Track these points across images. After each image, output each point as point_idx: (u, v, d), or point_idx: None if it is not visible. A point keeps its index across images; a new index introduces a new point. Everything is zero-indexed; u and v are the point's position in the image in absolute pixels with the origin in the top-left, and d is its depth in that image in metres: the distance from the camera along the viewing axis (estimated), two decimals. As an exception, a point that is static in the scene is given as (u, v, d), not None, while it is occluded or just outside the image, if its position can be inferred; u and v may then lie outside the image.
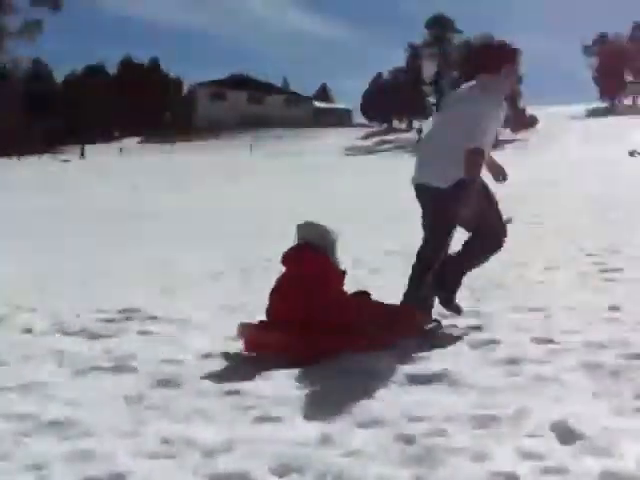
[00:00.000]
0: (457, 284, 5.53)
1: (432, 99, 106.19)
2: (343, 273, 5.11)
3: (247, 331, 4.95)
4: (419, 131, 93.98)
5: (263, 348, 4.78)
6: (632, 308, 5.75)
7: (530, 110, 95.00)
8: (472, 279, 7.45)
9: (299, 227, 5.12)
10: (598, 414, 3.33)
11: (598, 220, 15.13)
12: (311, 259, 4.95)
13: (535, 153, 68.59)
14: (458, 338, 5.00)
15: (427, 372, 4.18)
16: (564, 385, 3.79)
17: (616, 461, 2.76)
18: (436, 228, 5.41)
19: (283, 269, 5.11)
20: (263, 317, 5.10)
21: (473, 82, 5.54)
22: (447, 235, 5.39)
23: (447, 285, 5.44)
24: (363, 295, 5.28)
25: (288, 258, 5.05)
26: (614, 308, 5.83)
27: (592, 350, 4.49)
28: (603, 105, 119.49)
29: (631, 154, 57.95)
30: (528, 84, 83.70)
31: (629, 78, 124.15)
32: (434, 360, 4.45)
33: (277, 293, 5.01)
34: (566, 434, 3.05)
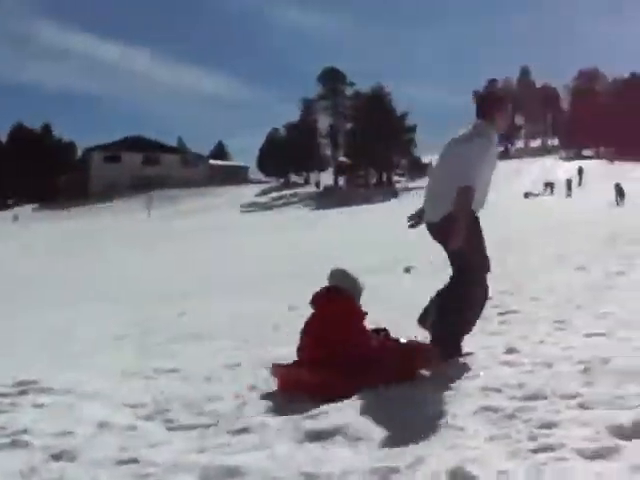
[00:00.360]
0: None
1: (328, 152, 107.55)
2: (365, 313, 5.54)
3: (280, 371, 5.39)
4: (317, 184, 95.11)
5: (295, 386, 5.13)
6: (526, 349, 5.92)
7: (425, 159, 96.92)
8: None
9: (332, 273, 5.65)
10: (494, 458, 3.39)
11: (498, 264, 15.49)
12: (339, 300, 5.42)
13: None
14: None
15: (324, 426, 4.20)
16: (460, 431, 3.85)
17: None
18: (455, 257, 5.83)
19: (312, 310, 5.57)
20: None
21: (470, 127, 6.03)
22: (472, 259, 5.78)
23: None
24: (383, 331, 5.76)
25: (318, 299, 5.52)
26: (510, 350, 6.00)
27: (488, 394, 4.59)
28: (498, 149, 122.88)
29: (526, 196, 60.30)
30: (421, 133, 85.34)
31: (521, 122, 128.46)
32: (330, 415, 4.47)
33: (308, 331, 5.47)
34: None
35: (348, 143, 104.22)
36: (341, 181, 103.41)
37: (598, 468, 3.15)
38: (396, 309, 9.12)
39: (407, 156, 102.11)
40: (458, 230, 5.46)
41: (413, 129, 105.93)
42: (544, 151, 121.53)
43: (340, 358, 5.08)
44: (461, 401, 4.51)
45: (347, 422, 4.19)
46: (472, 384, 4.91)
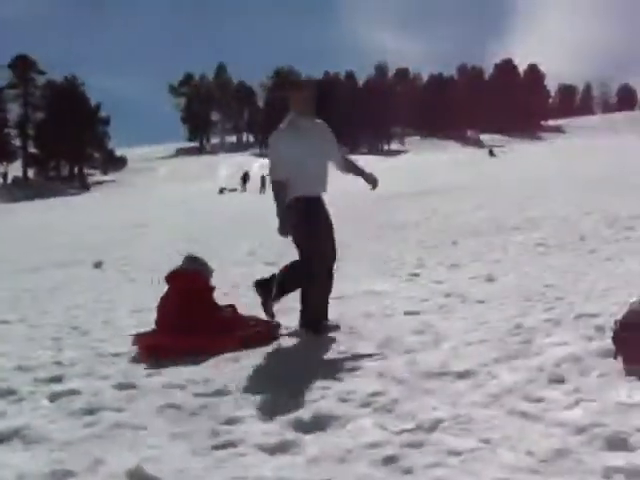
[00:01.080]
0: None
1: (18, 142, 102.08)
2: (213, 288, 6.51)
3: (141, 338, 6.10)
4: (4, 175, 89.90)
5: (155, 350, 5.77)
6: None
7: (119, 152, 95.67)
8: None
9: (186, 257, 6.72)
10: (175, 456, 3.35)
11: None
12: (193, 277, 6.39)
13: (125, 194, 68.92)
14: (35, 392, 4.77)
15: (1, 430, 3.93)
16: (142, 430, 3.77)
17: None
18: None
19: (167, 286, 6.47)
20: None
21: None
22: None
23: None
24: (230, 307, 6.58)
25: (174, 277, 6.46)
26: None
27: (172, 391, 4.54)
28: (193, 144, 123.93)
29: (221, 192, 61.23)
30: (114, 127, 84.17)
31: (216, 117, 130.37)
32: (9, 416, 4.21)
33: (165, 304, 6.32)
34: (141, 480, 3.04)
35: (39, 134, 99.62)
36: (31, 173, 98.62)
37: (278, 462, 3.21)
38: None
39: (101, 149, 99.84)
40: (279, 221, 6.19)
41: (107, 121, 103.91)
42: (240, 147, 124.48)
43: (197, 324, 5.93)
44: (143, 399, 4.42)
45: (25, 423, 3.96)
46: (155, 381, 4.83)
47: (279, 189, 6.22)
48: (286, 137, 6.26)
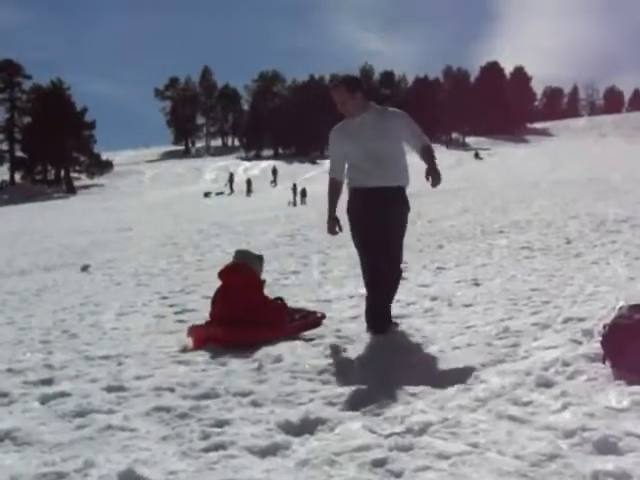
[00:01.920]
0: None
1: (5, 146, 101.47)
2: (263, 282, 6.75)
3: (195, 330, 6.37)
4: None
5: (207, 341, 6.09)
6: (202, 350, 5.96)
7: (105, 155, 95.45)
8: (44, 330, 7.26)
9: (237, 252, 7.01)
10: (165, 458, 3.35)
11: (173, 262, 15.61)
12: (242, 272, 6.58)
13: (111, 198, 68.78)
14: (25, 395, 4.77)
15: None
16: (132, 432, 3.77)
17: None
18: None
19: (220, 282, 6.66)
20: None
21: None
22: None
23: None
24: (279, 299, 6.85)
25: (225, 272, 6.66)
26: (185, 349, 6.02)
27: (161, 394, 4.55)
28: (178, 148, 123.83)
29: (206, 195, 61.30)
30: (100, 131, 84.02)
31: (201, 120, 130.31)
32: (1, 419, 4.20)
33: (217, 299, 6.54)
34: (132, 483, 3.05)
35: (26, 138, 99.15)
36: (18, 177, 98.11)
37: (267, 464, 3.22)
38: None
39: (87, 153, 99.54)
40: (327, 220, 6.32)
41: (93, 125, 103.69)
42: (225, 150, 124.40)
43: (246, 317, 6.20)
44: (133, 402, 4.43)
45: (16, 426, 3.95)
46: (145, 384, 4.84)
47: (329, 187, 6.36)
48: (333, 137, 6.35)
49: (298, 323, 6.59)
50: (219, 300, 6.56)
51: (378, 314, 6.14)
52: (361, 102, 6.16)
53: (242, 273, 6.62)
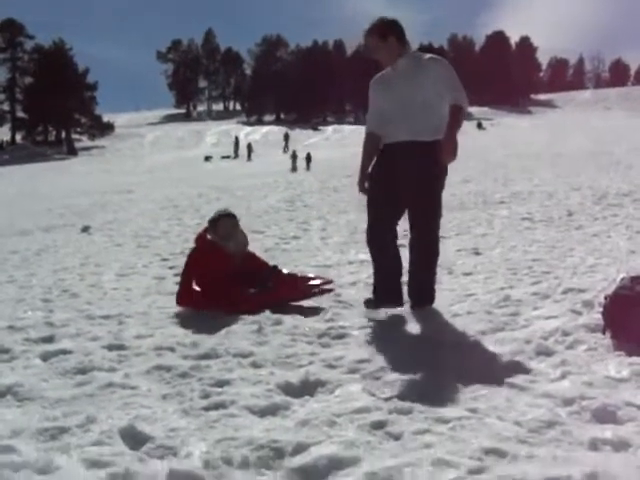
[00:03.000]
0: None
1: (6, 107, 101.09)
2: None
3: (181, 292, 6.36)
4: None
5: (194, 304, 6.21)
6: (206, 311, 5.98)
7: (106, 117, 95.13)
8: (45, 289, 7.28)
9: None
10: (166, 416, 3.37)
11: (174, 224, 15.61)
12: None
13: (112, 160, 68.64)
14: (27, 351, 4.79)
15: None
16: (133, 390, 3.79)
17: (181, 460, 2.83)
18: None
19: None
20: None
21: None
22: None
23: None
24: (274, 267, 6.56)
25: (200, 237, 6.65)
26: (185, 310, 6.04)
27: (162, 353, 4.58)
28: (179, 111, 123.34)
29: (206, 159, 61.23)
30: (102, 92, 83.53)
31: (203, 84, 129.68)
32: (1, 374, 4.22)
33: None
34: (134, 438, 3.05)
35: (27, 98, 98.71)
36: (19, 137, 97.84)
37: (267, 424, 3.24)
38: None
39: (88, 114, 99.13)
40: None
41: (95, 87, 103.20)
42: (226, 115, 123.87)
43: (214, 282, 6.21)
44: (134, 360, 4.45)
45: (17, 381, 3.97)
46: (145, 343, 4.86)
47: (364, 141, 5.86)
48: (371, 88, 5.80)
49: (294, 291, 6.32)
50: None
51: (385, 286, 5.68)
52: (395, 48, 5.55)
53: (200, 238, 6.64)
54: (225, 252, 6.44)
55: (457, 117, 5.37)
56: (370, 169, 5.73)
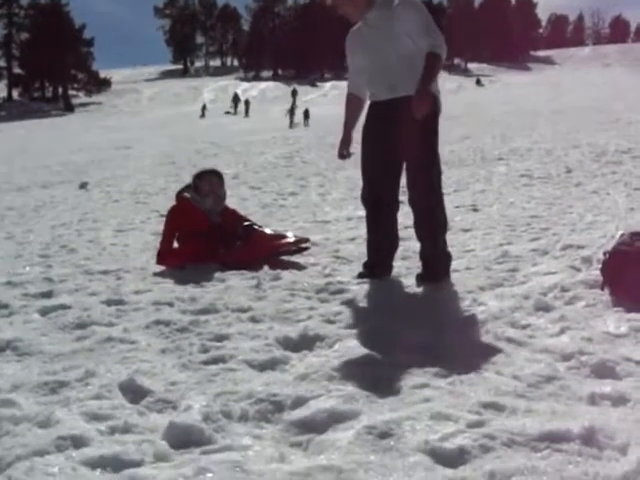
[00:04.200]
0: None
1: (2, 63, 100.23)
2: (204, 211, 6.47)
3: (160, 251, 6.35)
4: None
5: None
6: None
7: (103, 74, 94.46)
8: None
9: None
10: (165, 370, 3.38)
11: (172, 181, 15.57)
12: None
13: (109, 116, 68.25)
14: (26, 306, 4.79)
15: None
16: (132, 344, 3.79)
17: (181, 413, 2.83)
18: None
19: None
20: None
21: None
22: None
23: None
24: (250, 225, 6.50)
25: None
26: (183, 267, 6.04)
27: (160, 308, 4.58)
28: (177, 67, 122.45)
29: (202, 115, 60.77)
30: (99, 48, 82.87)
31: (201, 40, 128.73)
32: (1, 329, 4.22)
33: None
34: (133, 392, 3.05)
35: (23, 54, 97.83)
36: (16, 94, 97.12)
37: (267, 378, 3.25)
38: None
39: (85, 70, 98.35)
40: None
41: (91, 42, 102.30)
42: (224, 71, 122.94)
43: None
44: (132, 315, 4.46)
45: (17, 336, 3.97)
46: (144, 298, 4.87)
47: (345, 103, 5.44)
48: (346, 46, 5.35)
49: (274, 244, 6.31)
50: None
51: (377, 254, 5.35)
52: (360, 0, 5.08)
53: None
54: (200, 211, 6.44)
55: (432, 66, 4.87)
56: (361, 130, 5.31)
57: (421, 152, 5.01)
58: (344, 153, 5.40)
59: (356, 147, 5.33)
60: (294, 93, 64.79)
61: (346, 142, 5.38)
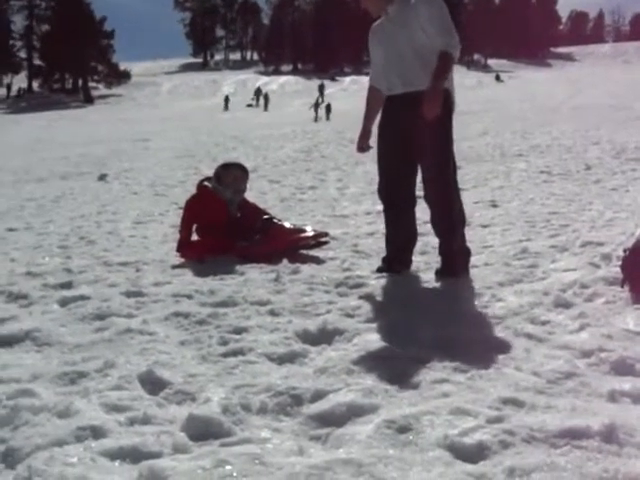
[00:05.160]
0: None
1: (23, 54, 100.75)
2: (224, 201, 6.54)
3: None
4: (8, 86, 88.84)
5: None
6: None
7: (123, 66, 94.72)
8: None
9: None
10: (184, 362, 3.39)
11: (191, 174, 15.58)
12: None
13: (129, 108, 68.42)
14: (45, 297, 4.82)
15: (13, 332, 3.98)
16: (152, 336, 3.80)
17: (200, 406, 2.84)
18: None
19: None
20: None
21: None
22: None
23: None
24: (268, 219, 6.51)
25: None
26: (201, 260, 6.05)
27: (180, 300, 4.59)
28: (196, 60, 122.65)
29: (226, 107, 60.80)
30: (119, 41, 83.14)
31: (221, 33, 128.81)
32: (20, 319, 4.26)
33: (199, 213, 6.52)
34: (152, 384, 3.06)
35: (44, 46, 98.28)
36: (36, 85, 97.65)
37: (286, 371, 3.25)
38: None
39: (105, 62, 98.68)
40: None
41: (111, 35, 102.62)
42: (244, 64, 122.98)
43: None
44: (152, 307, 4.47)
45: (36, 327, 4.00)
46: (163, 290, 4.89)
47: (367, 95, 5.46)
48: (369, 41, 5.39)
49: (291, 238, 6.31)
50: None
51: (395, 249, 5.35)
52: None
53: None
54: (221, 201, 6.47)
55: (444, 65, 4.89)
56: (378, 125, 5.36)
57: (436, 149, 5.03)
58: (363, 146, 5.43)
59: (373, 141, 5.34)
60: (321, 88, 64.17)
61: (365, 135, 5.41)
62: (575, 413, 2.70)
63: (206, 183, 6.59)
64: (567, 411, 2.72)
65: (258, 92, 67.24)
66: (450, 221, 5.16)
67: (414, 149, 5.06)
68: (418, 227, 5.45)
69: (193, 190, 6.76)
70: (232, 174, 6.56)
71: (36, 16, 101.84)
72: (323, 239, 6.45)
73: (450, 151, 5.13)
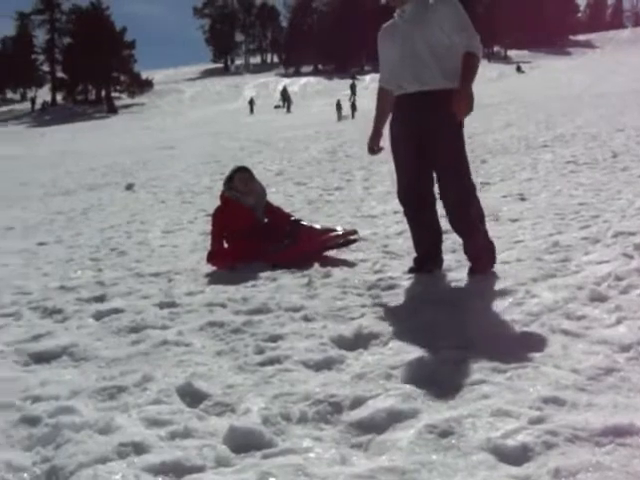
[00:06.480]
0: None
1: (46, 67, 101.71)
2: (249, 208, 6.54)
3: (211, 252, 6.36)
4: (32, 100, 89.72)
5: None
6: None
7: (145, 75, 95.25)
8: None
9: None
10: (222, 372, 3.40)
11: (217, 179, 15.63)
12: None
13: (152, 117, 68.74)
14: (80, 311, 4.86)
15: (49, 348, 4.02)
16: (188, 347, 3.82)
17: (240, 417, 2.84)
18: None
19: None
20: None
21: None
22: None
23: None
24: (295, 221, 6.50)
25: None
26: (232, 267, 6.06)
27: (213, 309, 4.60)
28: (217, 65, 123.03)
29: (251, 110, 60.92)
30: (140, 50, 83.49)
31: (240, 38, 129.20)
32: (57, 335, 4.29)
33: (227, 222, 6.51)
34: (191, 396, 3.07)
35: (66, 59, 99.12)
36: (59, 97, 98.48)
37: (323, 378, 3.25)
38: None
39: (127, 72, 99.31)
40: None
41: (132, 45, 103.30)
42: (264, 67, 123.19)
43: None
44: (186, 317, 4.49)
45: (72, 342, 4.04)
46: (196, 300, 4.90)
47: (376, 97, 5.43)
48: (379, 38, 5.35)
49: (321, 239, 6.24)
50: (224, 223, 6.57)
51: (423, 249, 5.36)
52: None
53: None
54: (246, 208, 6.48)
55: (471, 67, 4.90)
56: (389, 126, 5.29)
57: (451, 147, 5.03)
58: (374, 148, 5.38)
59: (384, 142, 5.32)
60: (353, 86, 63.27)
61: (376, 137, 5.37)
62: (617, 410, 2.68)
63: (227, 193, 6.61)
64: (609, 408, 2.70)
65: (284, 93, 67.29)
66: (469, 220, 5.16)
67: (429, 148, 5.03)
68: (446, 224, 5.40)
69: (219, 198, 6.77)
70: (239, 180, 6.60)
71: (57, 30, 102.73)
72: (353, 237, 6.44)
73: (463, 150, 5.12)
